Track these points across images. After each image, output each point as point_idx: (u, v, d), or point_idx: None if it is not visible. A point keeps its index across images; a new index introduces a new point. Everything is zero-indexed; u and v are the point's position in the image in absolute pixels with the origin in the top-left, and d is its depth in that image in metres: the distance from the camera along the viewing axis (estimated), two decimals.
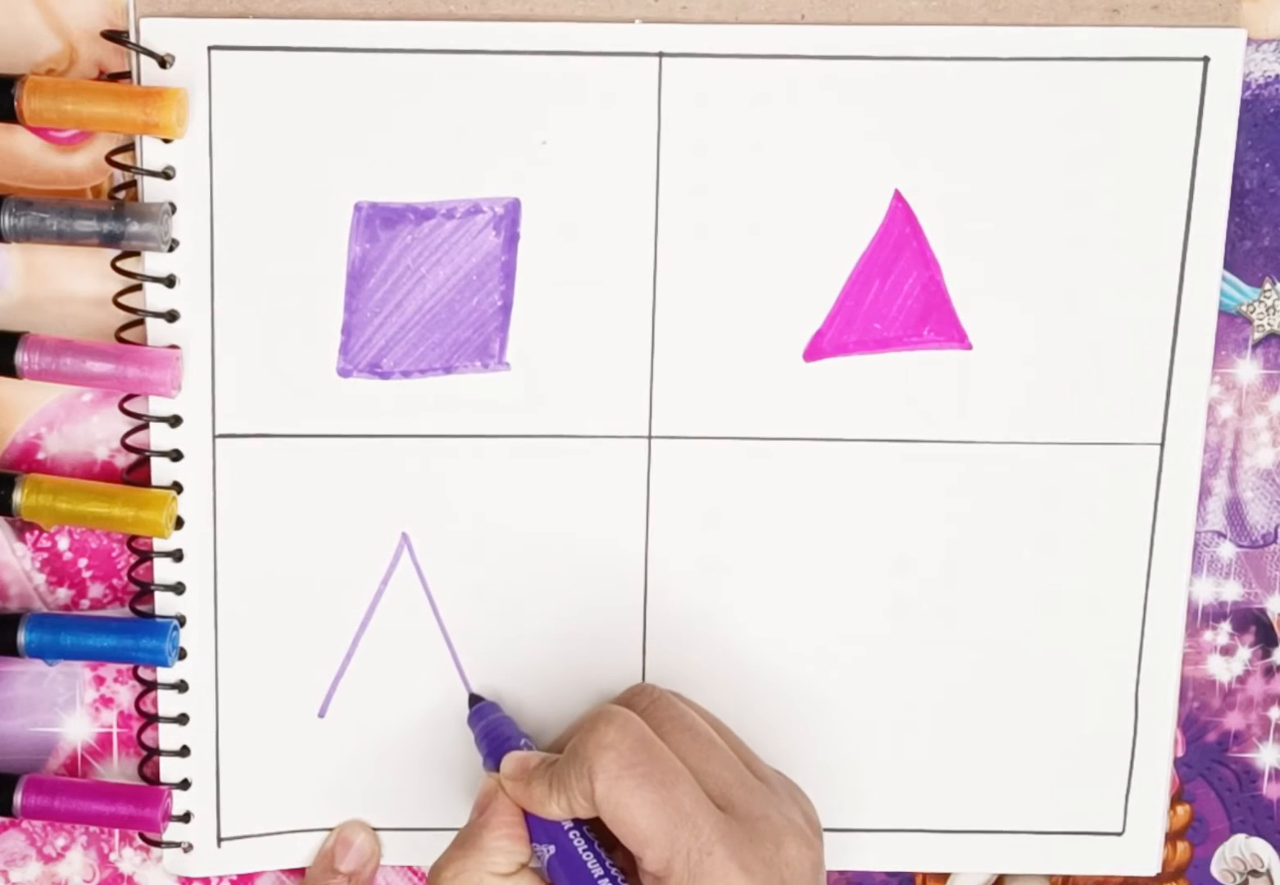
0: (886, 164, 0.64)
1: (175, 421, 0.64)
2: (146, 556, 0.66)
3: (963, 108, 0.63)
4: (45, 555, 0.67)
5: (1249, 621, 0.69)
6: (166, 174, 0.63)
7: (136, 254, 0.63)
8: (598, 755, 0.58)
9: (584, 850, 0.60)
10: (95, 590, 0.67)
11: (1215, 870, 0.71)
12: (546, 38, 0.62)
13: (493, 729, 0.65)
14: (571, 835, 0.61)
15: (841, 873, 0.70)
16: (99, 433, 0.66)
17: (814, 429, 0.65)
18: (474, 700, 0.67)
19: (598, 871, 0.60)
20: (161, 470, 0.65)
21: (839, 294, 0.65)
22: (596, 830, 0.61)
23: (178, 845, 0.68)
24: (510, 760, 0.62)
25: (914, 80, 0.63)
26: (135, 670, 0.67)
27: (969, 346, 0.65)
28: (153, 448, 0.65)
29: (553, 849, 0.61)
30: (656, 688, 0.63)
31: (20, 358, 0.62)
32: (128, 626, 0.65)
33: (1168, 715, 0.68)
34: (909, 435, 0.66)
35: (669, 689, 0.64)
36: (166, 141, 0.62)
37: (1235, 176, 0.65)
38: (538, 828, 0.61)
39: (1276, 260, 0.66)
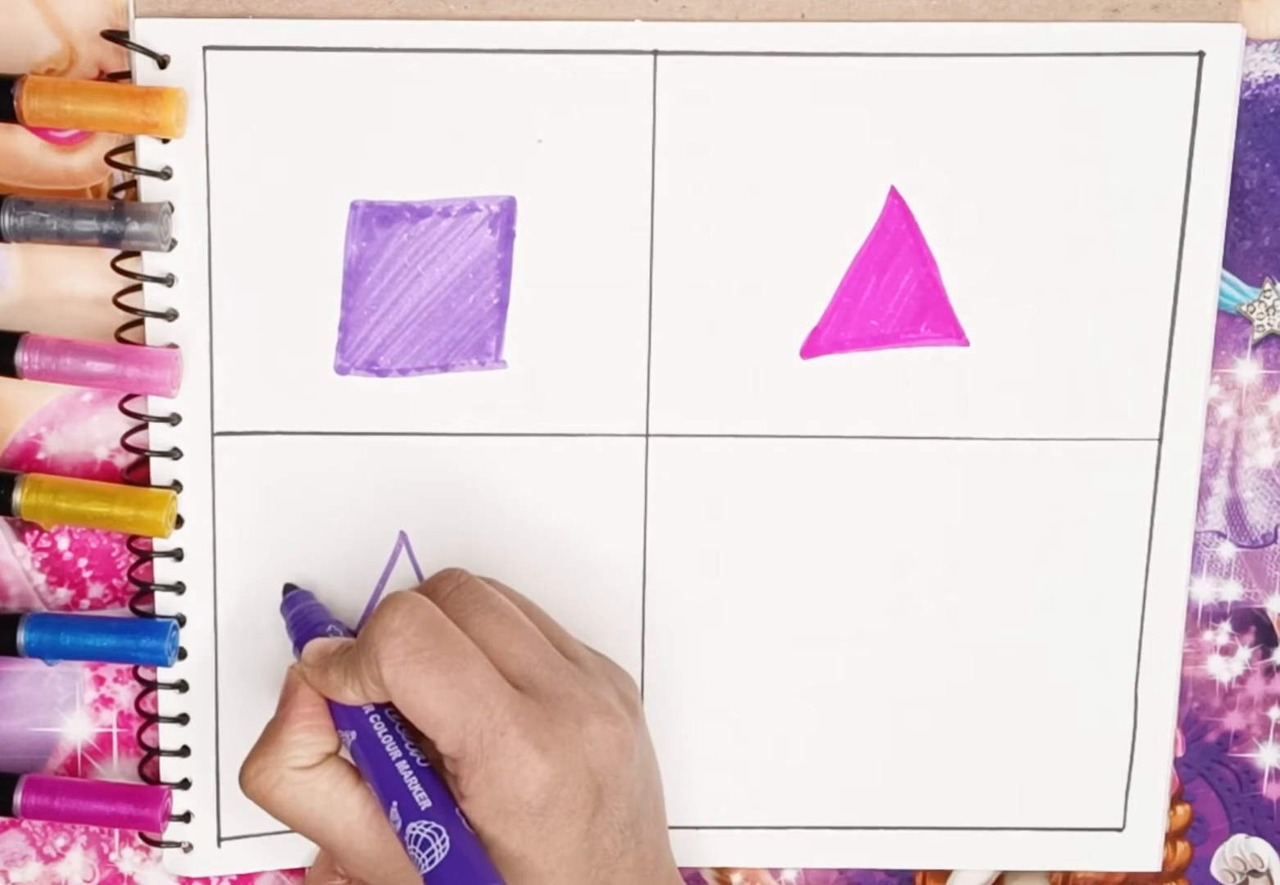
0: (883, 161, 0.64)
1: (174, 420, 0.64)
2: (146, 556, 0.66)
3: (959, 104, 0.63)
4: (45, 555, 0.67)
5: (1249, 621, 0.69)
6: (164, 174, 0.63)
7: (136, 254, 0.63)
8: (383, 641, 0.58)
9: (383, 733, 0.59)
10: (95, 590, 0.67)
11: (1215, 870, 0.71)
12: (542, 37, 0.62)
13: (301, 616, 0.64)
14: (372, 719, 0.60)
15: (842, 871, 0.70)
16: (99, 433, 0.66)
17: (811, 426, 0.65)
18: (287, 589, 0.66)
19: (396, 754, 0.59)
20: (161, 469, 0.65)
21: (835, 291, 0.65)
22: (400, 713, 0.60)
23: (178, 845, 0.68)
24: (310, 648, 0.62)
25: (911, 77, 0.63)
26: (135, 670, 0.67)
27: (966, 343, 0.65)
28: (152, 447, 0.65)
29: (354, 735, 0.60)
30: (464, 572, 0.62)
31: (20, 358, 0.63)
32: (127, 626, 0.65)
33: (1167, 710, 0.68)
34: (906, 432, 0.66)
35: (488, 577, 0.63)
36: (164, 141, 0.62)
37: (1235, 176, 0.65)
38: (341, 714, 0.60)
39: (1276, 260, 0.66)
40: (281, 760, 0.60)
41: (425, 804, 0.57)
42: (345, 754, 0.61)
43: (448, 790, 0.58)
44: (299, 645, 0.63)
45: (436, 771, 0.59)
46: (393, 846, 0.59)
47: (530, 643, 0.60)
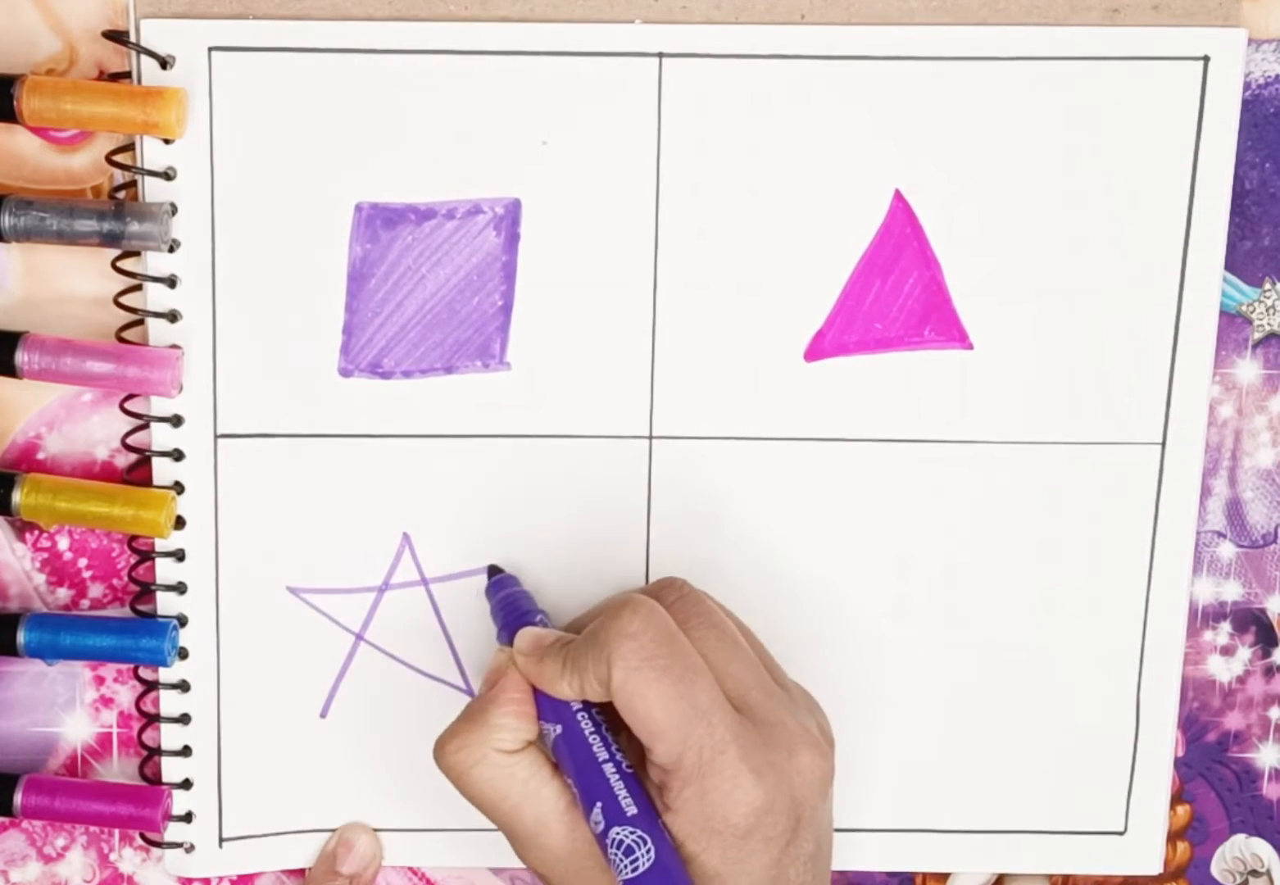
0: (887, 164, 0.64)
1: (176, 421, 0.64)
2: (147, 556, 0.66)
3: (963, 107, 0.63)
4: (45, 555, 0.67)
5: (1249, 621, 0.69)
6: (167, 174, 0.63)
7: (137, 254, 0.63)
8: (618, 643, 0.57)
9: (590, 732, 0.59)
10: (95, 590, 0.67)
11: (1215, 870, 0.71)
12: (547, 38, 0.62)
13: (510, 602, 0.64)
14: (580, 717, 0.60)
15: (842, 873, 0.70)
16: (99, 433, 0.66)
17: (815, 429, 0.65)
18: (493, 571, 0.66)
19: (603, 755, 0.59)
20: (163, 470, 0.65)
21: (840, 294, 0.65)
22: (606, 713, 0.60)
23: (179, 846, 0.68)
24: (525, 635, 0.61)
25: (914, 80, 0.63)
26: (135, 670, 0.67)
27: (970, 346, 0.65)
28: (154, 447, 0.65)
29: (559, 729, 0.60)
30: (686, 583, 0.62)
31: (20, 358, 0.62)
32: (127, 626, 0.65)
33: (1169, 715, 0.68)
34: (910, 435, 0.66)
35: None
36: (167, 142, 0.62)
37: (1235, 177, 0.65)
38: (546, 706, 0.60)
39: (1276, 260, 0.66)
40: (486, 739, 0.60)
41: (632, 810, 0.57)
42: (543, 747, 0.61)
43: (650, 798, 0.58)
44: (505, 629, 0.63)
45: (640, 778, 0.59)
46: (581, 844, 0.59)
47: (748, 664, 0.60)
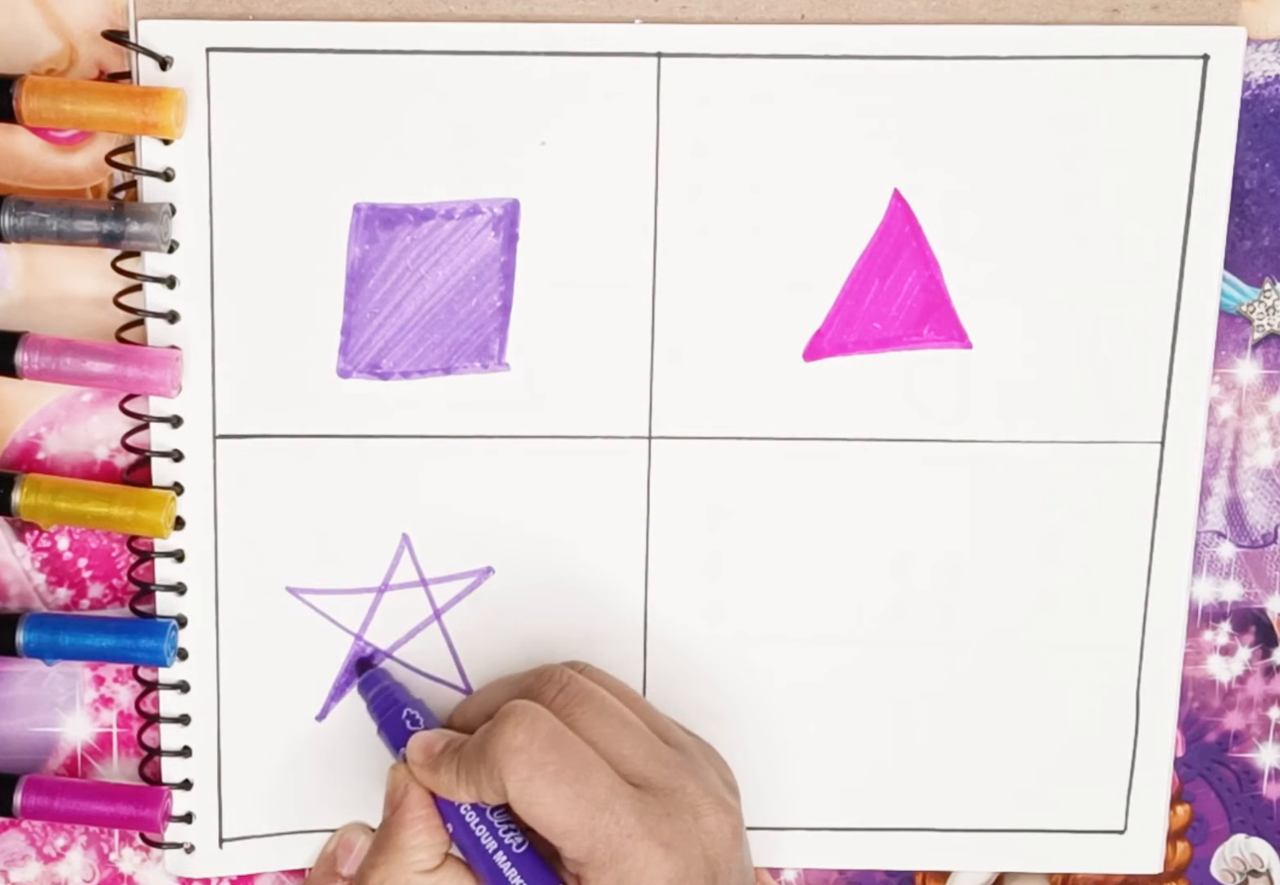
0: (886, 163, 0.64)
1: (176, 422, 0.64)
2: (146, 556, 0.66)
3: (962, 107, 0.63)
4: (45, 555, 0.67)
5: (1249, 621, 0.69)
6: (166, 175, 0.63)
7: (136, 254, 0.63)
8: (506, 759, 0.58)
9: (476, 824, 0.60)
10: (95, 590, 0.67)
11: (1215, 870, 0.71)
12: (545, 38, 0.62)
13: (381, 699, 0.65)
14: (463, 809, 0.61)
15: (841, 872, 0.70)
16: (99, 433, 0.66)
17: (814, 429, 0.65)
18: (361, 667, 0.66)
19: (491, 845, 0.60)
20: (162, 471, 0.65)
21: (839, 293, 0.65)
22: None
23: (180, 846, 0.68)
24: (414, 745, 0.62)
25: (914, 79, 0.63)
26: (135, 670, 0.67)
27: (969, 346, 0.65)
28: (153, 448, 0.65)
29: (451, 827, 0.61)
30: (565, 671, 0.62)
31: (20, 358, 0.62)
32: (126, 626, 0.65)
33: (1169, 715, 0.68)
34: (909, 435, 0.66)
35: (578, 662, 0.64)
36: (166, 142, 0.62)
37: (1235, 176, 0.65)
38: (440, 806, 0.61)
39: (1276, 260, 0.66)
40: (405, 865, 0.61)
41: None
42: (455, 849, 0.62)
43: (547, 874, 0.59)
44: (386, 731, 0.64)
45: (537, 855, 0.60)
46: None
47: (639, 740, 0.61)
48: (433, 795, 0.61)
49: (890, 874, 0.70)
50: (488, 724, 0.60)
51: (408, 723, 0.64)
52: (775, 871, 0.70)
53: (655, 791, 0.59)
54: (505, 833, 0.60)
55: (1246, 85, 0.64)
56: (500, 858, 0.60)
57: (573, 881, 0.59)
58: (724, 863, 0.60)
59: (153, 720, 0.67)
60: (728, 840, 0.60)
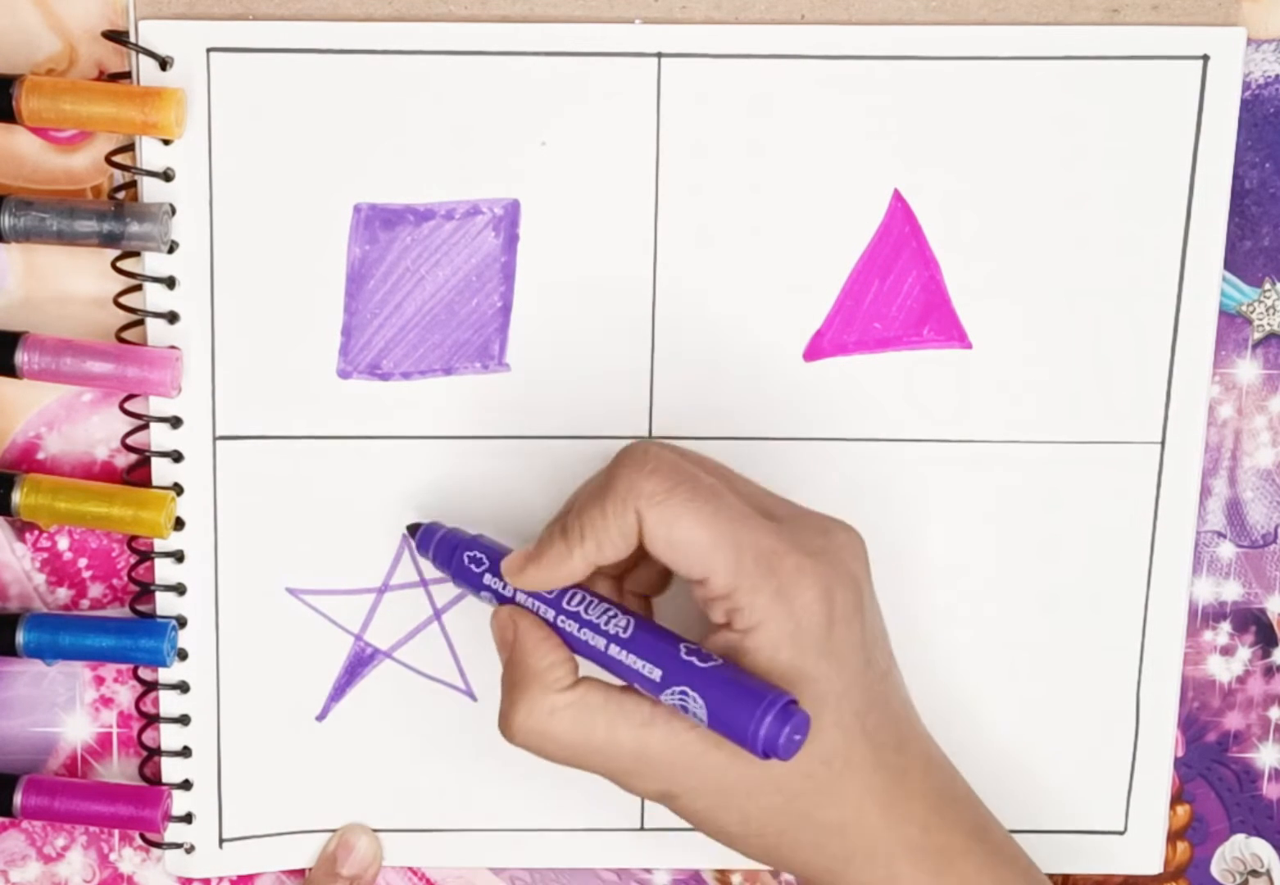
0: (886, 163, 0.64)
1: (176, 423, 0.64)
2: (146, 556, 0.66)
3: (962, 107, 0.63)
4: (45, 555, 0.67)
5: (1249, 621, 0.69)
6: (166, 175, 0.63)
7: (136, 254, 0.63)
8: (637, 484, 0.56)
9: (579, 629, 0.58)
10: (95, 590, 0.67)
11: (1215, 870, 0.71)
12: (546, 38, 0.62)
13: (443, 547, 0.63)
14: (560, 619, 0.58)
15: None
16: (99, 433, 0.66)
17: (814, 429, 0.65)
18: (413, 529, 0.65)
19: (600, 642, 0.58)
20: (162, 471, 0.65)
21: (839, 294, 0.65)
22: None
23: (180, 846, 0.68)
24: (509, 560, 0.59)
25: (914, 80, 0.63)
26: (135, 670, 0.67)
27: (969, 346, 0.65)
28: (153, 448, 0.65)
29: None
30: (649, 441, 0.60)
31: (20, 358, 0.62)
32: (126, 627, 0.65)
33: (1169, 715, 0.68)
34: (909, 435, 0.66)
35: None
36: (166, 142, 0.62)
37: (1235, 176, 0.65)
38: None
39: (1276, 260, 0.66)
40: (546, 688, 0.57)
41: (656, 674, 0.56)
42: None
43: (663, 642, 0.57)
44: (460, 578, 0.62)
45: (648, 629, 0.57)
46: (687, 732, 0.57)
47: (748, 482, 0.60)
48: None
49: None
50: (601, 470, 0.58)
51: (473, 566, 0.61)
52: (776, 871, 0.70)
53: (777, 518, 0.58)
54: (608, 623, 0.58)
55: (1246, 85, 0.64)
56: (614, 650, 0.57)
57: (722, 627, 0.57)
58: (865, 580, 0.59)
59: (153, 720, 0.67)
60: (860, 555, 0.59)
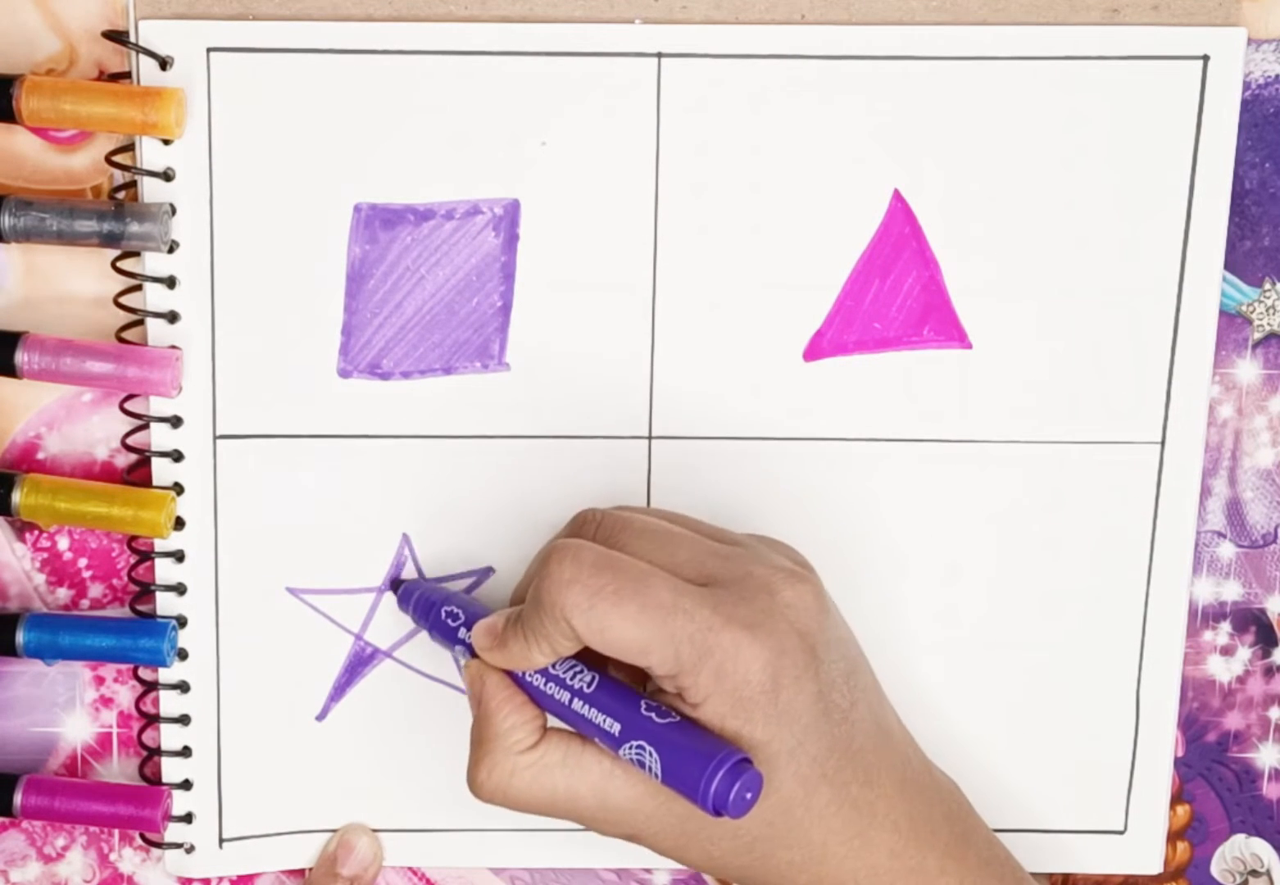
0: (886, 164, 0.64)
1: (176, 422, 0.64)
2: (146, 556, 0.66)
3: (962, 107, 0.63)
4: (45, 555, 0.67)
5: (1249, 621, 0.69)
6: (166, 175, 0.63)
7: (136, 254, 0.63)
8: (562, 595, 0.56)
9: (544, 682, 0.59)
10: (95, 590, 0.67)
11: (1215, 870, 0.71)
12: (546, 38, 0.62)
13: (421, 605, 0.64)
14: (528, 677, 0.60)
15: None
16: (99, 433, 0.66)
17: (814, 429, 0.65)
18: (396, 585, 0.66)
19: (562, 695, 0.59)
20: (162, 471, 0.65)
21: (839, 294, 0.65)
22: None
23: (180, 846, 0.68)
24: (478, 631, 0.61)
25: (914, 80, 0.63)
26: (135, 670, 0.67)
27: (969, 346, 0.65)
28: (154, 448, 0.65)
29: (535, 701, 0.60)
30: (598, 510, 0.61)
31: (20, 358, 0.62)
32: (126, 627, 0.65)
33: (1169, 715, 0.68)
34: (909, 435, 0.66)
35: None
36: (166, 142, 0.62)
37: (1235, 176, 0.65)
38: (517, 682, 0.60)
39: (1276, 260, 0.66)
40: (507, 749, 0.59)
41: (615, 728, 0.57)
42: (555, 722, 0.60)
43: (623, 698, 0.58)
44: (437, 632, 0.63)
45: (613, 686, 0.58)
46: (644, 783, 0.58)
47: (690, 544, 0.59)
48: (510, 675, 0.60)
49: None
50: (534, 571, 0.59)
51: (449, 621, 0.63)
52: None
53: (722, 584, 0.58)
54: (572, 679, 0.59)
55: (1246, 85, 0.64)
56: (577, 704, 0.58)
57: (678, 703, 0.58)
58: (817, 633, 0.58)
59: (153, 720, 0.67)
60: (812, 608, 0.58)
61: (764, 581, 0.58)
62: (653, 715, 0.57)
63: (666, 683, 0.57)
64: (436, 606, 0.63)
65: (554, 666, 0.59)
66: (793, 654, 0.57)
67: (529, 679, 0.60)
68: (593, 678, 0.59)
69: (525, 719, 0.59)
